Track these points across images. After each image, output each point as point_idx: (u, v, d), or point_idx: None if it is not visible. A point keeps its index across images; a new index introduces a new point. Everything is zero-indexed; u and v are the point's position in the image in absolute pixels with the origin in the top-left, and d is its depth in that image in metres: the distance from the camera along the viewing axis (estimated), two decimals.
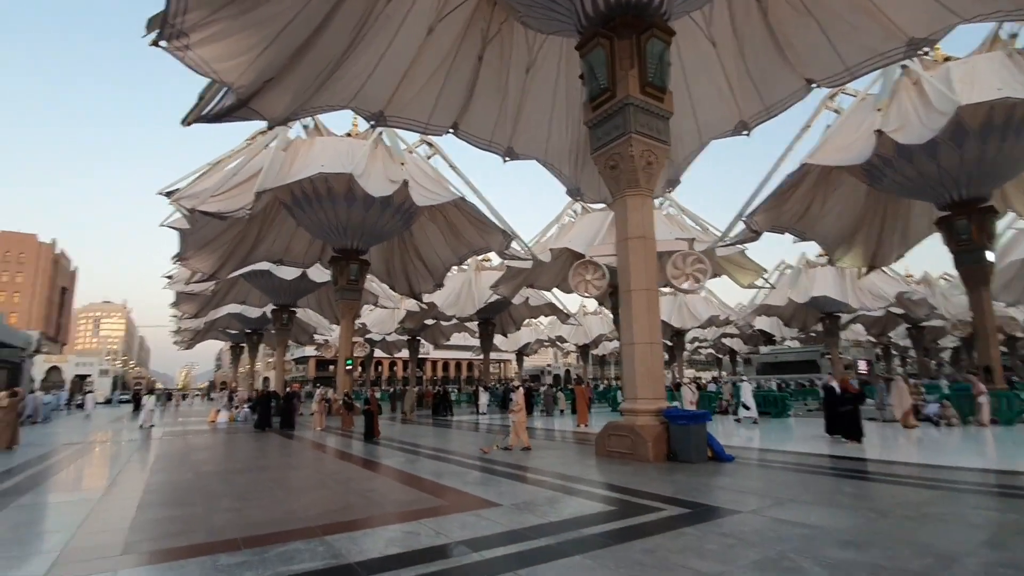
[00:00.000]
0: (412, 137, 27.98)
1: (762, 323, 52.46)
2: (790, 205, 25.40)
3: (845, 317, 46.89)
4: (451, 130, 19.37)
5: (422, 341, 57.35)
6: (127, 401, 55.61)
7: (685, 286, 11.25)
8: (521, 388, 13.66)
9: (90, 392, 61.43)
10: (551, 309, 45.68)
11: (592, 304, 59.55)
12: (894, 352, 67.59)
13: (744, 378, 33.29)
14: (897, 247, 28.84)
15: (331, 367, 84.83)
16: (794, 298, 41.74)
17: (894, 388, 15.33)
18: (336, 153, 22.87)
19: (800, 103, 17.29)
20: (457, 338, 62.26)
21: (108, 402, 60.80)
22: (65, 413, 37.67)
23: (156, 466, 10.87)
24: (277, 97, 14.34)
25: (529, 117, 19.50)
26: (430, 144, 26.38)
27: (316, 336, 52.95)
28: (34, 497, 7.85)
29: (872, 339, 58.76)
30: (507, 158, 20.80)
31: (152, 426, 21.94)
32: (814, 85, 16.20)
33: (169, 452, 13.32)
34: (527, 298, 42.27)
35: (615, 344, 69.14)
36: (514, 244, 25.61)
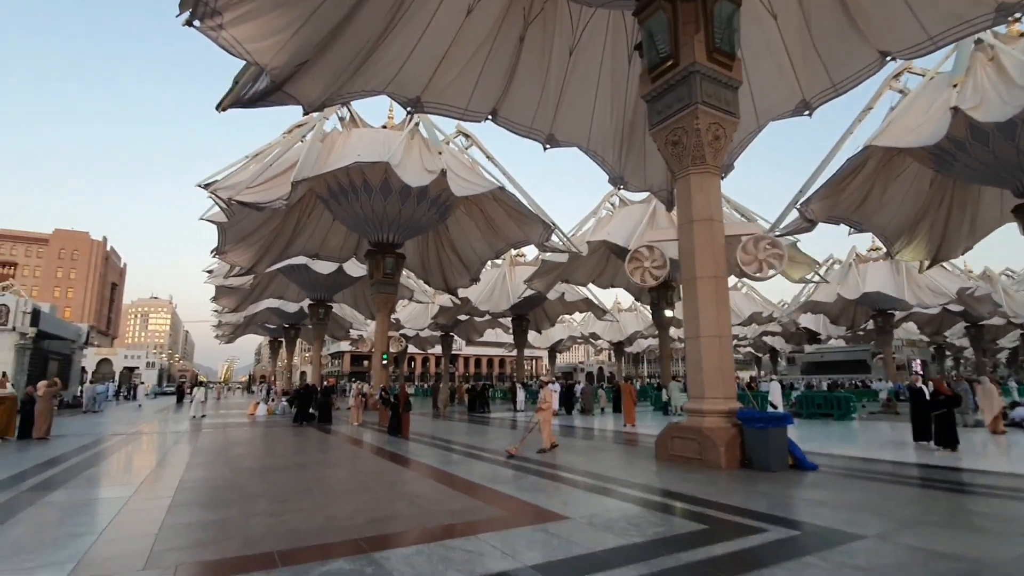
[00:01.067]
0: (449, 128, 27.36)
1: (807, 320, 50.06)
2: (848, 193, 23.71)
3: (898, 315, 44.24)
4: (490, 117, 18.49)
5: (455, 337, 56.91)
6: (170, 393, 56.93)
7: (756, 274, 10.07)
8: (549, 385, 12.73)
9: (141, 383, 63.39)
10: (586, 305, 44.51)
11: (627, 300, 58.08)
12: (947, 352, 63.88)
13: (774, 377, 31.70)
14: (965, 239, 26.70)
15: (365, 362, 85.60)
16: (844, 294, 39.50)
17: (981, 391, 13.78)
18: (372, 143, 22.34)
19: (857, 85, 15.93)
20: (489, 335, 61.70)
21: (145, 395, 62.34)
22: (114, 403, 38.56)
23: (193, 461, 10.37)
24: (312, 81, 13.75)
25: (572, 102, 18.50)
26: (467, 135, 25.65)
27: (351, 331, 53.09)
28: (64, 494, 7.34)
29: (925, 338, 55.48)
30: (547, 145, 19.86)
31: (204, 416, 22.42)
32: (889, 58, 14.70)
33: (208, 446, 12.90)
34: (563, 293, 41.25)
35: (650, 342, 67.39)
36: (554, 237, 24.62)
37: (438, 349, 66.86)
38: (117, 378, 70.23)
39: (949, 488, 7.55)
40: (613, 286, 40.62)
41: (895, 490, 7.35)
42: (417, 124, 24.80)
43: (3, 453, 11.48)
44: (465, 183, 21.50)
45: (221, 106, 13.01)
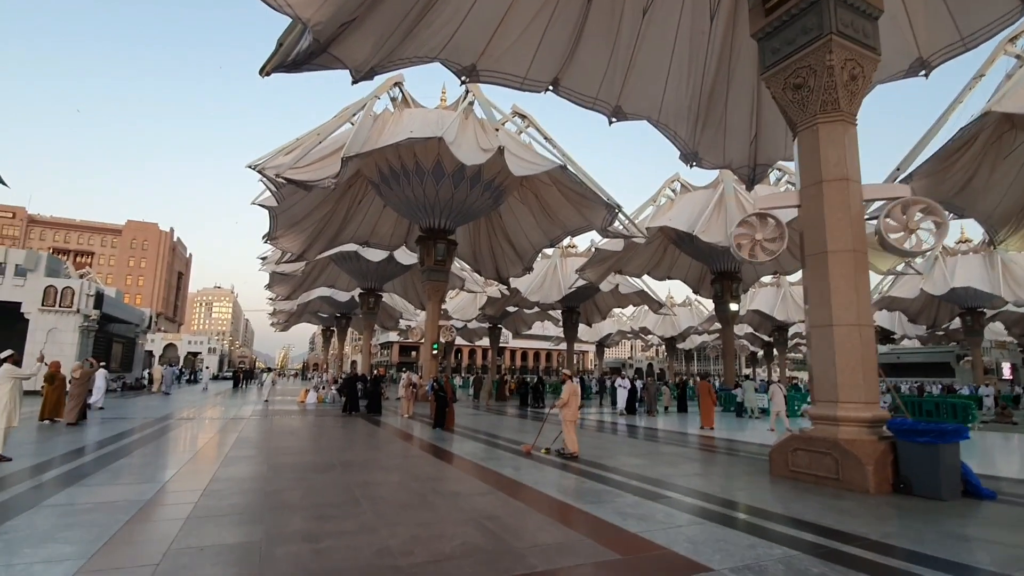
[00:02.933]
0: (504, 109, 25.70)
1: (880, 318, 45.78)
2: (955, 171, 20.67)
3: (988, 312, 39.66)
4: (550, 88, 16.66)
5: (502, 329, 55.61)
6: (228, 378, 58.21)
7: (906, 248, 7.94)
8: (572, 380, 10.69)
9: (206, 368, 65.38)
10: (640, 298, 42.13)
11: (681, 294, 55.10)
12: None
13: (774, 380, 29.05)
14: None
15: (413, 353, 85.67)
16: (929, 290, 35.58)
17: None
18: (425, 122, 21.01)
19: (990, 39, 13.33)
20: (537, 328, 60.10)
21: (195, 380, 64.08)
22: (176, 386, 39.26)
23: (233, 454, 9.20)
24: (358, 43, 12.35)
25: (643, 69, 16.45)
26: (522, 115, 23.94)
27: (401, 321, 52.64)
28: (74, 494, 6.17)
29: (1014, 339, 49.93)
30: (613, 119, 17.88)
31: (267, 401, 22.78)
32: None
33: (251, 436, 11.82)
34: (616, 285, 39.11)
35: (704, 338, 63.97)
36: (615, 224, 22.61)
37: (485, 341, 65.92)
38: (182, 362, 72.86)
39: None
40: (670, 277, 38.14)
41: None
42: (471, 103, 23.33)
43: (42, 437, 10.71)
44: (524, 163, 19.83)
45: (264, 70, 11.80)
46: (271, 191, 20.81)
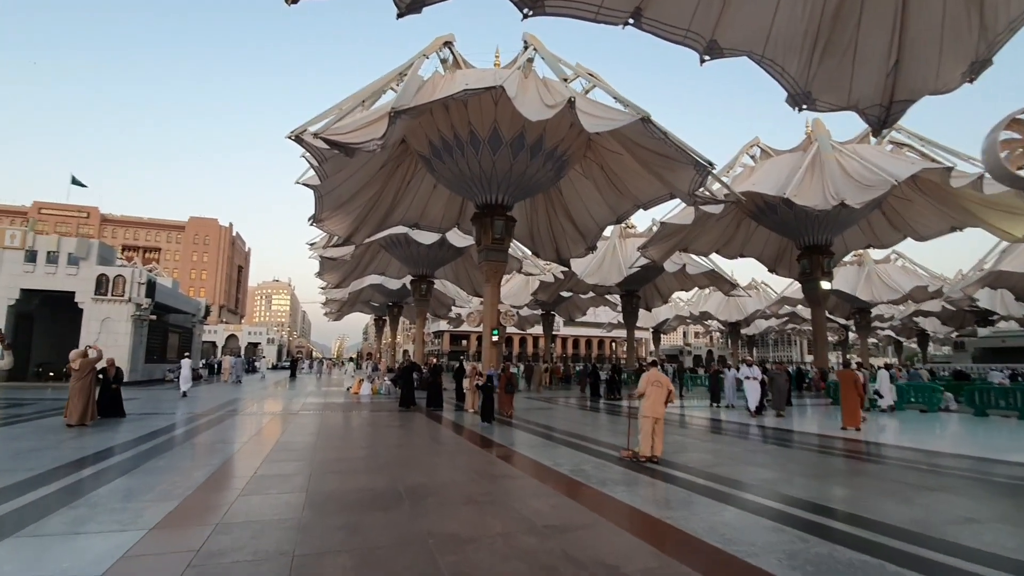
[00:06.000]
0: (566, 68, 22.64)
1: (983, 297, 40.09)
2: None
3: None
4: (631, 20, 13.43)
5: (555, 316, 52.84)
6: (284, 368, 58.10)
7: None
8: (655, 368, 8.32)
9: (263, 358, 66.04)
10: (709, 279, 38.29)
11: (744, 277, 50.53)
12: None
13: (892, 366, 25.02)
14: None
15: (463, 341, 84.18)
16: None
17: None
18: (480, 79, 18.37)
19: None
20: (588, 314, 57.02)
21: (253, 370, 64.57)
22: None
23: (264, 471, 6.89)
24: None
25: None
26: (590, 74, 20.85)
27: (453, 309, 50.74)
28: (52, 523, 3.91)
29: None
30: (706, 57, 14.52)
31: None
32: None
33: (293, 442, 9.57)
34: (683, 265, 35.48)
35: (770, 322, 58.97)
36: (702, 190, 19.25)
37: (536, 330, 63.31)
38: (243, 352, 74.02)
39: None
40: (742, 255, 34.23)
41: None
42: (531, 59, 20.49)
43: (77, 439, 8.79)
44: (597, 119, 16.84)
45: None
46: (312, 166, 18.75)
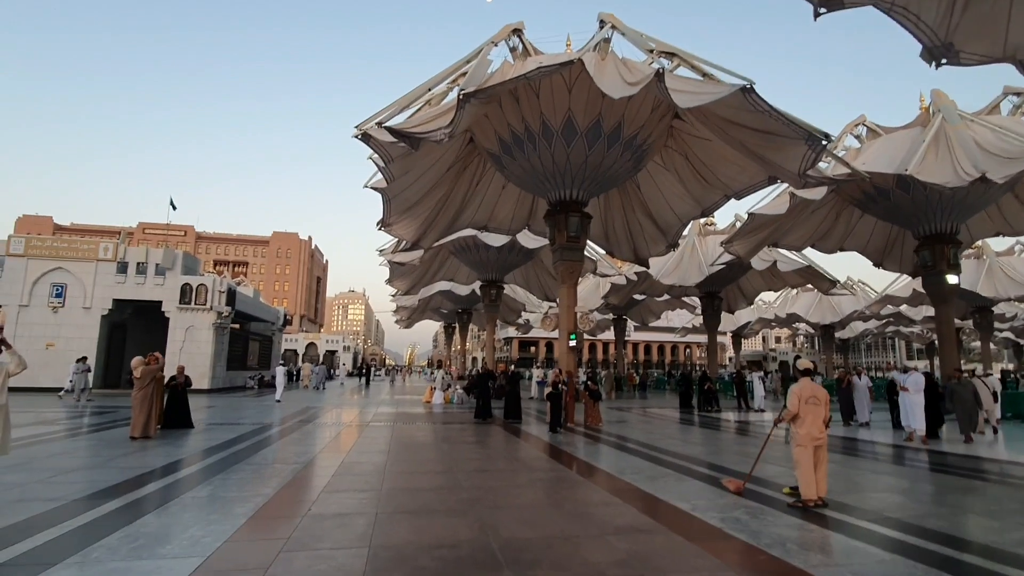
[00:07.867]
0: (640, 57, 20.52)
1: None
2: None
3: None
4: None
5: (627, 320, 49.99)
6: (357, 375, 58.93)
7: None
8: (806, 379, 6.00)
9: (344, 365, 67.83)
10: (804, 276, 34.22)
11: (841, 273, 45.41)
12: None
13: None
14: None
15: (532, 348, 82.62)
16: None
17: None
18: (553, 60, 16.74)
19: None
20: (663, 318, 53.61)
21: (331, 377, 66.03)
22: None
23: (315, 509, 5.45)
24: None
25: None
26: (672, 53, 18.62)
27: (523, 314, 49.29)
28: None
29: None
30: (822, 9, 12.20)
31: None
32: None
33: (360, 463, 8.19)
34: (774, 262, 31.87)
35: (867, 325, 52.73)
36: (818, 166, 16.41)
37: (606, 335, 60.59)
38: (321, 359, 76.57)
39: None
40: (842, 249, 30.12)
41: None
42: (607, 39, 18.61)
43: (127, 452, 7.90)
44: (689, 94, 14.65)
45: None
46: (379, 167, 17.87)
